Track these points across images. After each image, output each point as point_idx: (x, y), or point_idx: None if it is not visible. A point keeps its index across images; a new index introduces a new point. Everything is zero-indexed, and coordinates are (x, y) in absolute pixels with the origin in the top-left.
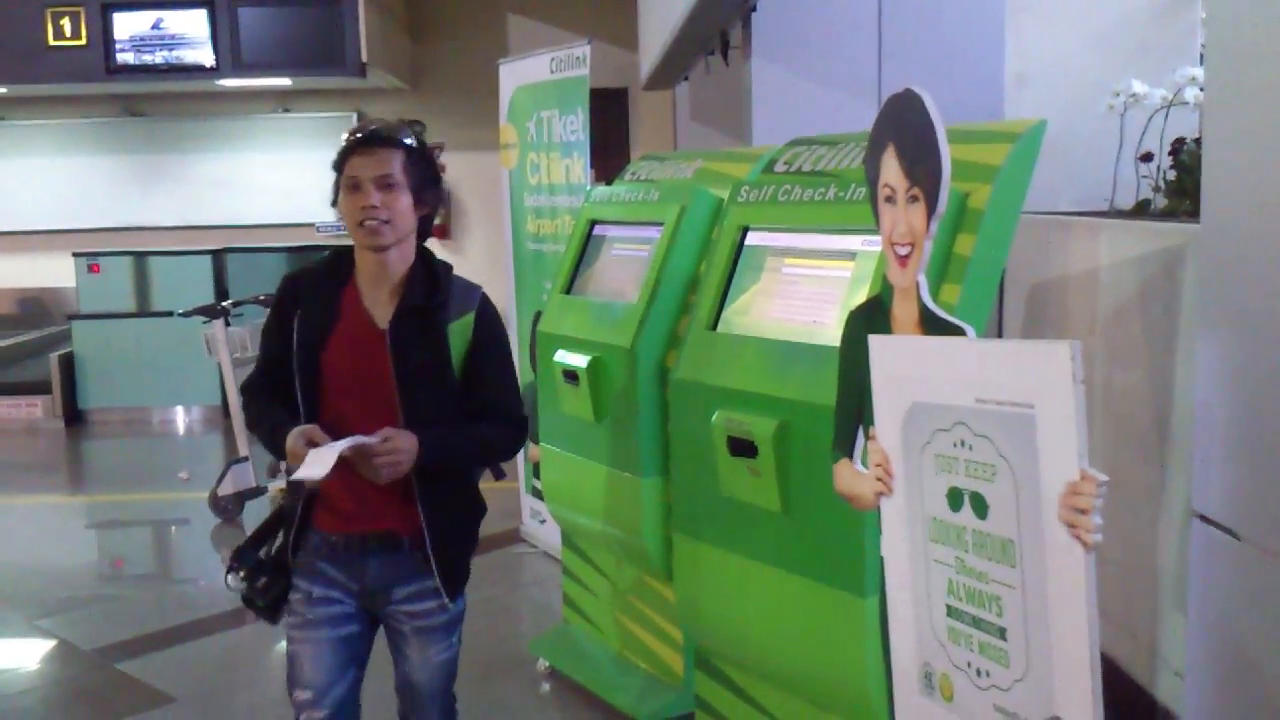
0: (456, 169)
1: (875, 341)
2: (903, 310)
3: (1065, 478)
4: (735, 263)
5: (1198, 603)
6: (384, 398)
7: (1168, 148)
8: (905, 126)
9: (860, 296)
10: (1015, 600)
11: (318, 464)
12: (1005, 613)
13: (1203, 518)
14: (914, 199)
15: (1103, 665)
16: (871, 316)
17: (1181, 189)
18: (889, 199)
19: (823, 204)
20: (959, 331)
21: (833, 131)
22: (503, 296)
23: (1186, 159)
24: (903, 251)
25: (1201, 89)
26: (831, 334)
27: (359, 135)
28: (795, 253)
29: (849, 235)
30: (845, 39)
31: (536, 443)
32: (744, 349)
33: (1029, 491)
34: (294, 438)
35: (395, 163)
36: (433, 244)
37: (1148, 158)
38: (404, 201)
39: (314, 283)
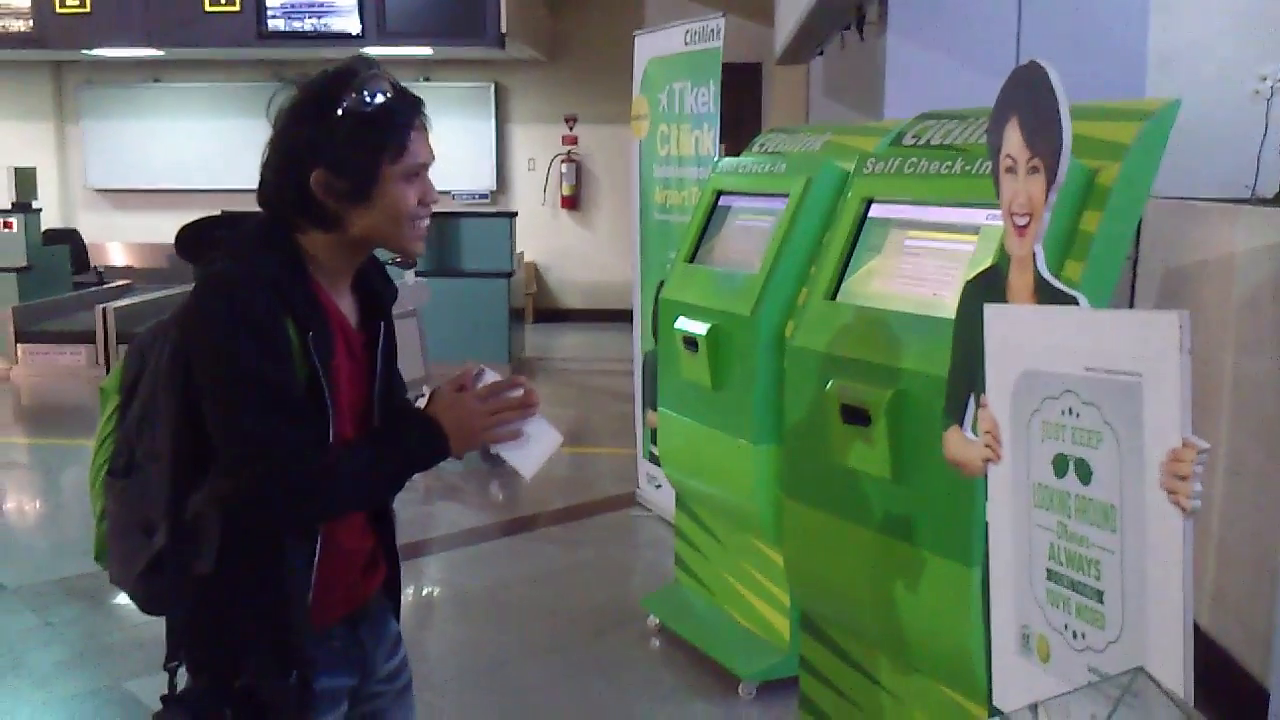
0: (588, 141)
1: (990, 310)
2: (1019, 280)
3: (1168, 445)
4: (858, 234)
5: None
6: (365, 410)
7: None
8: (1028, 98)
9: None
10: (1114, 565)
11: (543, 432)
12: (1103, 576)
13: None
14: (1034, 170)
15: (1218, 657)
16: (988, 286)
17: None
18: (1010, 169)
19: (948, 177)
20: (1072, 301)
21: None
22: (628, 267)
23: None
24: (1021, 221)
25: None
26: (950, 307)
27: (412, 101)
28: (918, 225)
29: (973, 209)
30: (983, 15)
31: (655, 409)
32: (862, 319)
33: (1132, 458)
34: (471, 404)
35: None
36: (562, 215)
37: None
38: None
39: (296, 289)
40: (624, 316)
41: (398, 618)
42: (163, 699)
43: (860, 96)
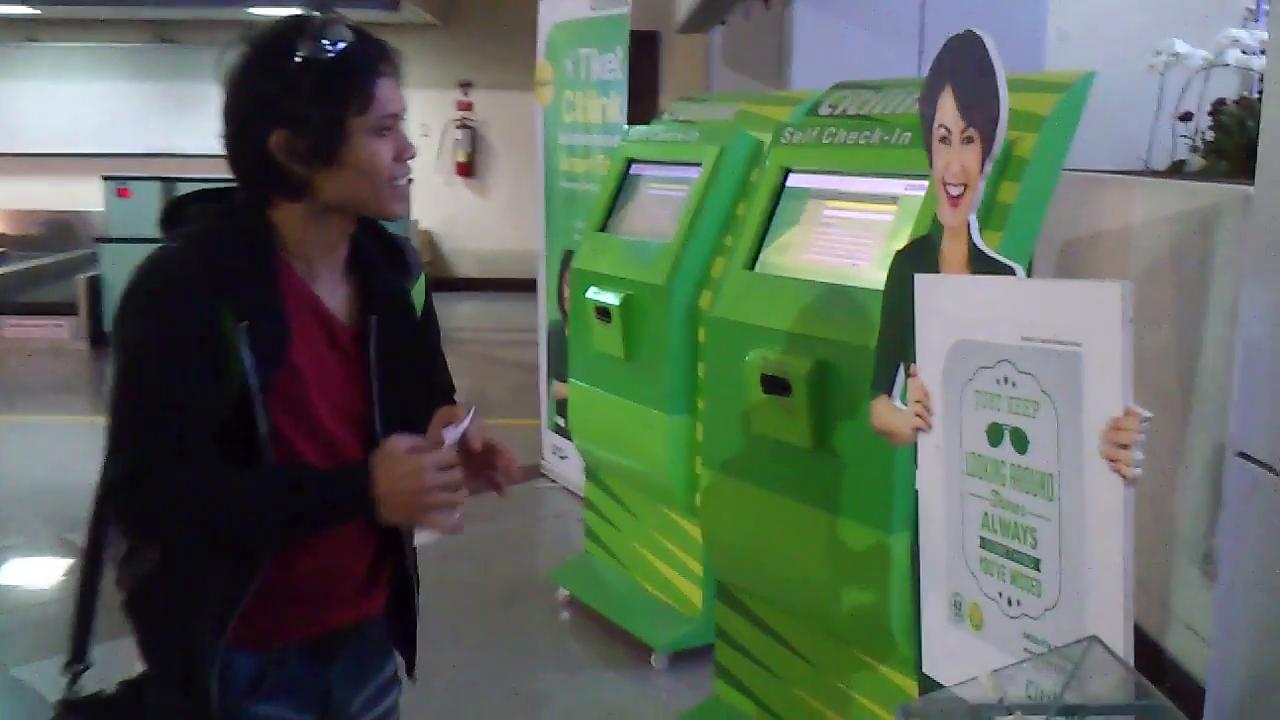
0: (484, 107)
1: (921, 280)
2: (952, 249)
3: (1109, 414)
4: (775, 204)
5: (1231, 543)
6: (355, 419)
7: (1207, 109)
8: (964, 68)
9: (902, 241)
10: (1051, 532)
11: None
12: (1040, 544)
13: (1244, 455)
14: (969, 140)
15: None
16: (919, 255)
17: (1219, 149)
18: (943, 139)
19: (866, 148)
20: (1009, 271)
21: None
22: (531, 236)
23: (1227, 120)
24: (955, 191)
25: (1243, 51)
26: (870, 277)
27: (377, 46)
28: (836, 195)
29: (892, 179)
30: None
31: (563, 380)
32: (781, 289)
33: (1070, 427)
34: (423, 475)
35: None
36: (457, 183)
37: (1187, 117)
38: None
39: (248, 272)
40: (523, 286)
41: (408, 659)
42: (61, 703)
43: (762, 67)
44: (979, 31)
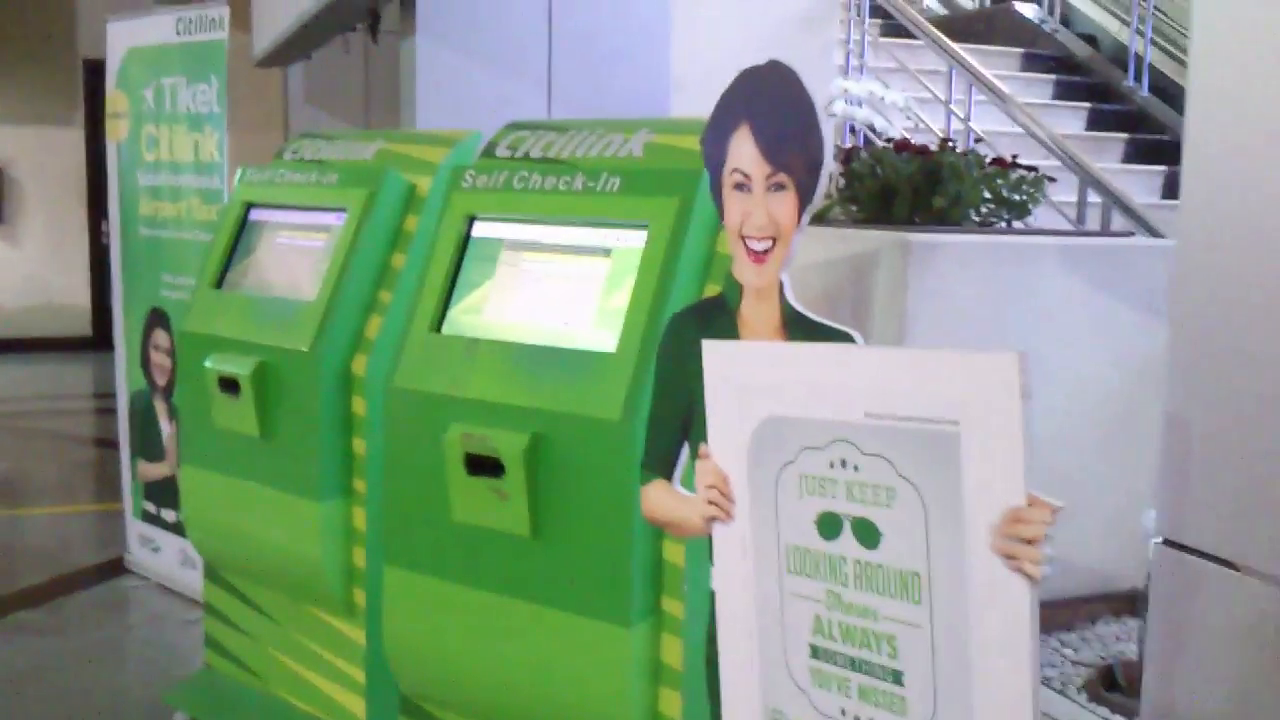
0: (8, 144)
1: (713, 348)
2: (756, 313)
3: (1004, 504)
4: (461, 256)
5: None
6: None
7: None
8: (765, 105)
9: (621, 296)
10: (918, 640)
11: None
12: (901, 654)
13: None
14: (778, 187)
15: None
16: (706, 319)
17: (854, 197)
18: (740, 186)
19: (569, 194)
20: (845, 338)
21: (500, 119)
22: (78, 289)
23: (859, 167)
24: (759, 246)
25: (847, 102)
26: (589, 337)
27: None
28: (537, 246)
29: (602, 229)
30: (515, 25)
31: (149, 459)
32: (481, 354)
33: (945, 519)
34: None
35: None
36: None
37: None
38: None
39: None
40: (73, 345)
41: None
42: None
43: (350, 104)
44: (787, 64)
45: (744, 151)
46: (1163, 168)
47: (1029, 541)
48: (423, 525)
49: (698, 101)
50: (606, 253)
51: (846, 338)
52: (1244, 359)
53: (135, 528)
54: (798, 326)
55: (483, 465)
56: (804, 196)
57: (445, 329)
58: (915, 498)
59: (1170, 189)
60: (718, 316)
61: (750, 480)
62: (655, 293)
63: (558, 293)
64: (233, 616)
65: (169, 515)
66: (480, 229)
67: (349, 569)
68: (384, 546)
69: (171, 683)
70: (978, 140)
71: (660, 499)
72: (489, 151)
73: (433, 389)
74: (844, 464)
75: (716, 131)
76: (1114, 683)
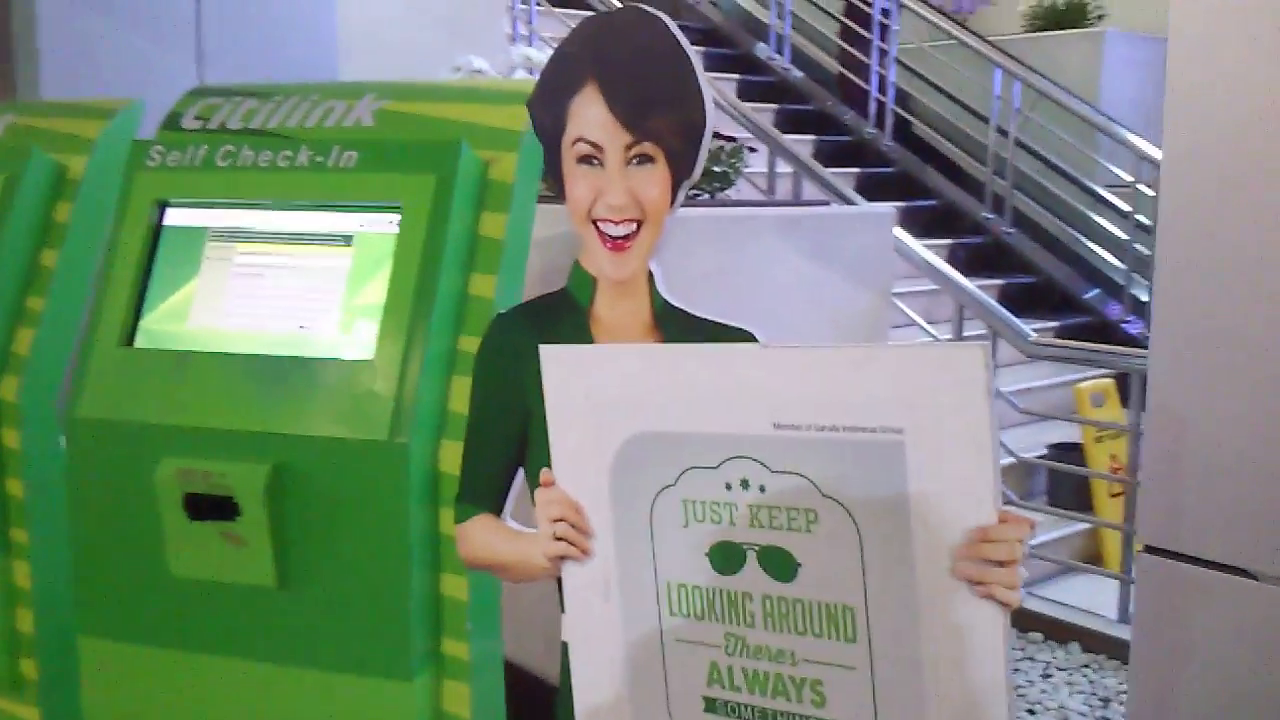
0: None
1: (555, 355)
2: (617, 311)
3: (970, 522)
4: (153, 251)
5: None
6: None
7: None
8: (620, 59)
9: (372, 291)
10: (854, 684)
11: None
12: (830, 701)
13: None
14: (643, 159)
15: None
16: (546, 320)
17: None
18: (587, 159)
19: (291, 171)
20: (738, 335)
21: (142, 88)
22: None
23: None
24: (618, 231)
25: (529, 71)
26: (333, 341)
27: None
28: (253, 236)
29: (339, 213)
30: None
31: None
32: (193, 370)
33: (888, 544)
34: None
35: None
36: None
37: None
38: None
39: None
40: None
41: None
42: None
43: None
44: (654, 11)
45: (590, 116)
46: (811, 137)
47: (1001, 564)
48: (129, 585)
49: (369, 66)
50: (347, 240)
51: (744, 336)
52: (1231, 347)
53: None
54: (675, 324)
55: (209, 507)
56: (678, 169)
57: (139, 341)
58: (845, 520)
59: (821, 158)
60: (563, 316)
61: (614, 509)
62: (417, 286)
63: (286, 290)
64: None
65: None
66: (175, 216)
67: (12, 636)
68: (76, 613)
69: None
70: None
71: (485, 539)
72: (171, 123)
73: (131, 417)
74: (745, 485)
75: (550, 93)
76: None
